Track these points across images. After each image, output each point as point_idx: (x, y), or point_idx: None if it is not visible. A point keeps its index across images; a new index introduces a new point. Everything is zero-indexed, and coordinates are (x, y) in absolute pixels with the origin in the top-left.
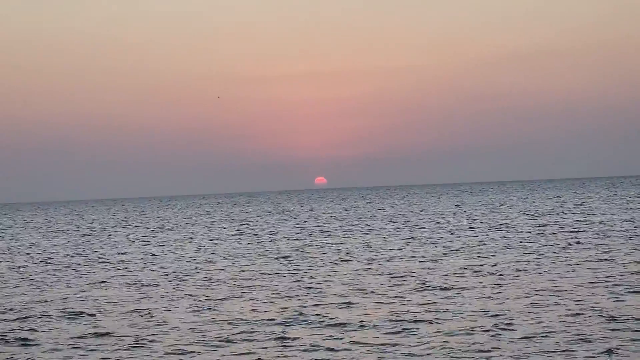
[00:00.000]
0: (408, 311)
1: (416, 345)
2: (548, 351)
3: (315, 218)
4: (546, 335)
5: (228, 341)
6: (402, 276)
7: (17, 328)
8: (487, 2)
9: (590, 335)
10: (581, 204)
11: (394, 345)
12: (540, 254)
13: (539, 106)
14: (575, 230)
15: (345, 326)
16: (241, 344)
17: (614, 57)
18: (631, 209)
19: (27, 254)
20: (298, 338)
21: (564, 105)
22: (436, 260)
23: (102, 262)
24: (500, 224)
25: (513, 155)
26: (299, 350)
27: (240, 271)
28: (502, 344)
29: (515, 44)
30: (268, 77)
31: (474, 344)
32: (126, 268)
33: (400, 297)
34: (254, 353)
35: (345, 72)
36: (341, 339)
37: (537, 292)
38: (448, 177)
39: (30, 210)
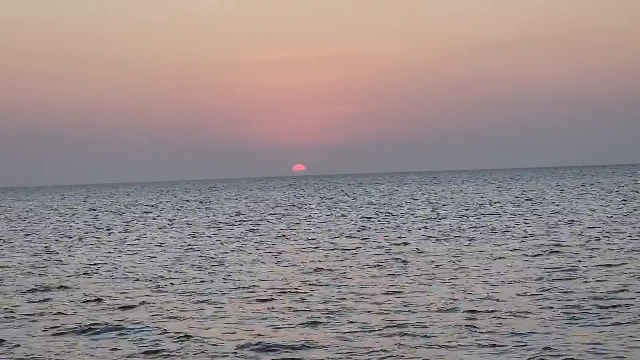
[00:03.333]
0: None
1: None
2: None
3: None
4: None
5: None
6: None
7: None
8: None
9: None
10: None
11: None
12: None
13: (518, 94)
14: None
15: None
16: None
17: (595, 45)
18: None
19: None
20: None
21: (543, 93)
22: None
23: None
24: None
25: (494, 143)
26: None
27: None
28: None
29: (493, 31)
30: (248, 63)
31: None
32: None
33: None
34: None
35: (324, 58)
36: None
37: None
38: (426, 165)
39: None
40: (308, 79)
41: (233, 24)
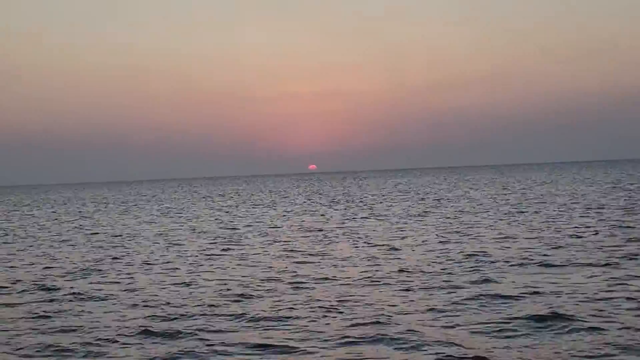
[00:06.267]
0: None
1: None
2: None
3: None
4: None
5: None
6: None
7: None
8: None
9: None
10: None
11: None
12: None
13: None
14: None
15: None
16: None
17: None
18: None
19: None
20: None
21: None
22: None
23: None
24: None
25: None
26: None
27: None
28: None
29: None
30: (277, 96)
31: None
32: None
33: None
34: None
35: (325, 93)
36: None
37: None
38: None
39: None
40: (315, 107)
41: (269, 61)
